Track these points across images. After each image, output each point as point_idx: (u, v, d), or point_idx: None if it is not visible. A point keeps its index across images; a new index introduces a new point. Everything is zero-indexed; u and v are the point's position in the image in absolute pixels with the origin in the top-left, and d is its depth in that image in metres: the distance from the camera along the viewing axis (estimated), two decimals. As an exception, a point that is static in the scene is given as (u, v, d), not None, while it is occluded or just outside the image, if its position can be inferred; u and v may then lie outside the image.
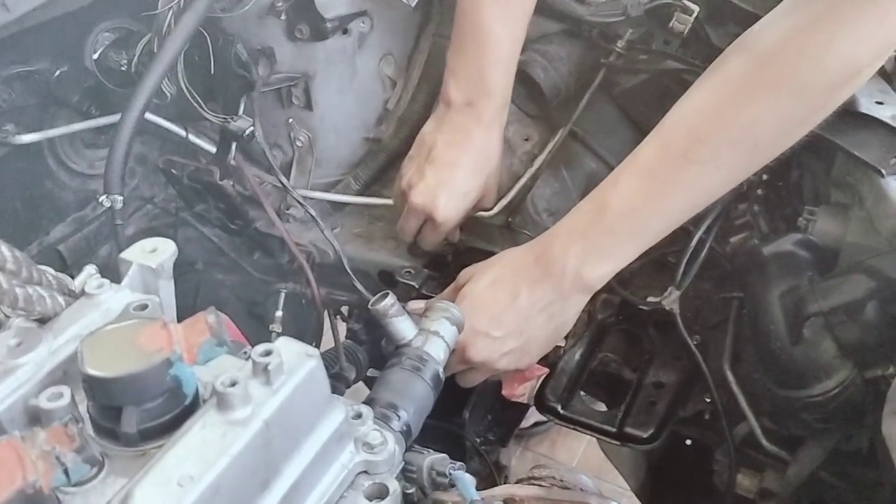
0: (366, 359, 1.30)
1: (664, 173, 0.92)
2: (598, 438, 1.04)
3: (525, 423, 2.00)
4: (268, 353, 0.59)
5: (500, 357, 1.00)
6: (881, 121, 0.90)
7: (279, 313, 1.26)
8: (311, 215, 1.13)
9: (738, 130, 0.88)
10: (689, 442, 1.24)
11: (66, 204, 1.27)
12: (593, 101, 1.22)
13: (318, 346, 1.33)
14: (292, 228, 1.29)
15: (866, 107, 0.91)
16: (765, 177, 1.08)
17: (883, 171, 0.87)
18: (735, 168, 0.91)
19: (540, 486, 0.74)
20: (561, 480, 0.74)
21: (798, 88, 0.84)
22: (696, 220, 1.06)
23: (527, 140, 1.29)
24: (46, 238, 1.25)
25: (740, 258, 1.03)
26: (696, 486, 1.23)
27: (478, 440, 1.23)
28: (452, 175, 1.12)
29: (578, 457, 2.20)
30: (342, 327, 1.32)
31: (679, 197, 0.93)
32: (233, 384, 0.56)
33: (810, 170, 1.08)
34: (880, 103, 0.92)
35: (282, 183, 1.18)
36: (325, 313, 1.25)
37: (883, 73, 0.98)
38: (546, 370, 1.15)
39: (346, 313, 1.38)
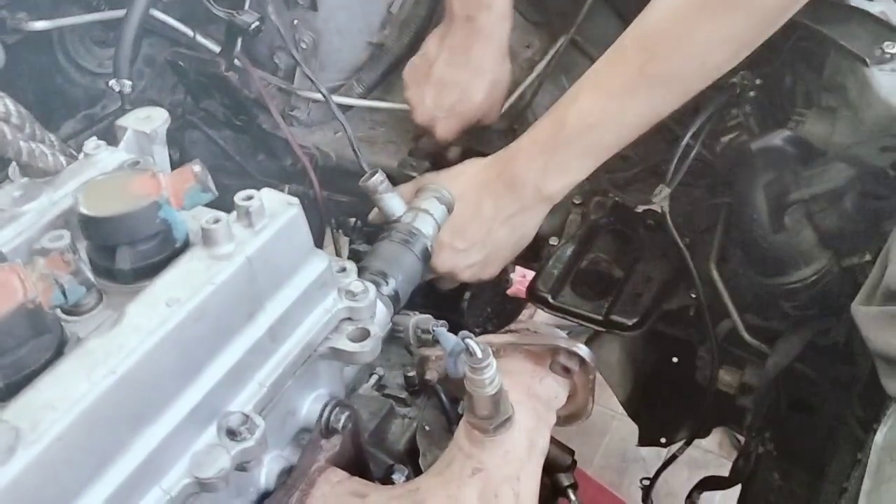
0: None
1: (619, 89, 0.95)
2: (585, 326, 1.07)
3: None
4: (249, 198, 0.63)
5: (464, 268, 1.04)
6: (869, 13, 0.92)
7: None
8: (323, 94, 1.13)
9: (690, 47, 0.91)
10: (675, 360, 1.27)
11: (77, 101, 1.30)
12: (595, 8, 1.23)
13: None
14: (296, 131, 1.31)
15: (857, 0, 0.92)
16: (758, 81, 1.09)
17: (867, 61, 0.89)
18: (683, 84, 0.94)
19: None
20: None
21: (751, 8, 0.88)
22: (686, 125, 1.08)
23: (528, 47, 1.31)
24: (57, 133, 1.28)
25: (729, 155, 1.04)
26: (681, 392, 1.26)
27: (477, 330, 1.27)
28: (451, 96, 1.15)
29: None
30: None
31: (632, 112, 0.96)
32: (216, 221, 0.60)
33: (803, 77, 1.09)
34: (871, -1, 0.94)
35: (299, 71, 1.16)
36: (328, 229, 1.28)
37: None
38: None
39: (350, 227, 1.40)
